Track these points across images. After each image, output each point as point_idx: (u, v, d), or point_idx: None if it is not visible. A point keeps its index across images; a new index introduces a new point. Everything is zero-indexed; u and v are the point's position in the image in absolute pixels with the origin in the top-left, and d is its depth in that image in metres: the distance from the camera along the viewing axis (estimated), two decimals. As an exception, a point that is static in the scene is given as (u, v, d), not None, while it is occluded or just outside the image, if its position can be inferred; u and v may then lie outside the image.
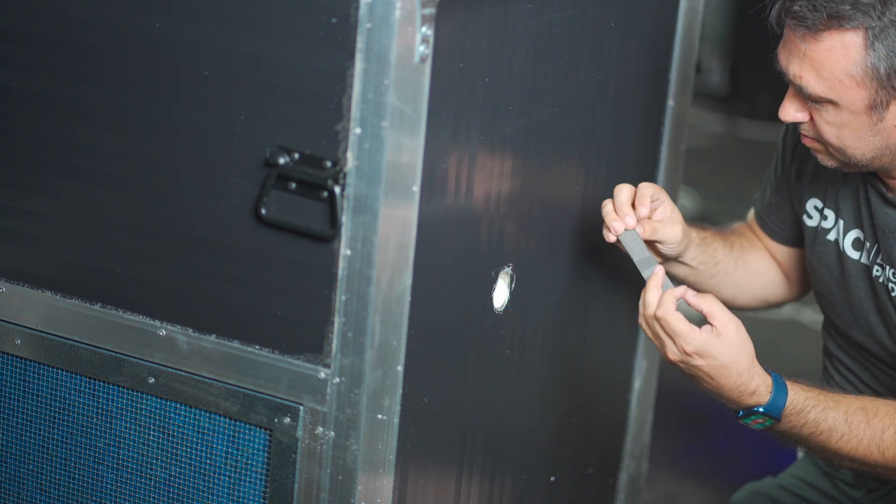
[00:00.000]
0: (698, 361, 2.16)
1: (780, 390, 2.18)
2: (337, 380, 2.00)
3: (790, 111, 2.21)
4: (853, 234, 2.36)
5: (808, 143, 2.25)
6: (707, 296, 2.21)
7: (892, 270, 2.30)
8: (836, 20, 2.07)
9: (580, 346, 2.62)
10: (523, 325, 2.34)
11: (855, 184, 2.34)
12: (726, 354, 2.16)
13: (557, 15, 2.25)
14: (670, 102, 2.72)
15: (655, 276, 2.21)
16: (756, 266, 2.60)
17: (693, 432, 3.81)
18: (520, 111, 2.21)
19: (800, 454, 2.76)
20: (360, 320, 1.97)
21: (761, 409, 2.18)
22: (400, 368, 2.00)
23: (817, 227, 2.43)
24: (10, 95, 2.10)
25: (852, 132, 2.16)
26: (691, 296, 2.21)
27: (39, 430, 2.21)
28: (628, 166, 2.66)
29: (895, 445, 2.22)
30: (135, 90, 2.03)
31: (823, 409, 2.21)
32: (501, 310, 2.29)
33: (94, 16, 2.03)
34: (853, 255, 2.36)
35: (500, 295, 2.28)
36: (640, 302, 2.21)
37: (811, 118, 2.20)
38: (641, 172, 2.71)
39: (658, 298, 2.19)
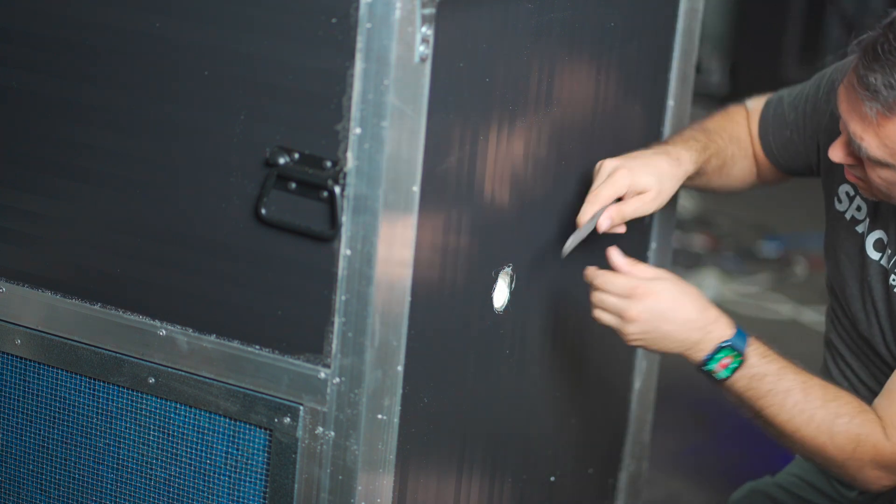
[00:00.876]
0: (651, 303, 2.16)
1: (741, 331, 2.21)
2: (337, 380, 2.00)
3: (841, 155, 2.18)
4: (877, 234, 2.34)
5: (851, 179, 2.23)
6: (638, 265, 2.23)
7: None
8: None
9: (580, 346, 2.61)
10: (523, 325, 2.34)
11: None
12: (673, 285, 2.19)
13: (557, 15, 2.25)
14: (670, 102, 2.71)
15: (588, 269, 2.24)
16: (740, 174, 2.58)
17: (693, 432, 3.81)
18: (520, 111, 2.21)
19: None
20: (360, 320, 1.97)
21: (728, 342, 2.18)
22: (400, 368, 2.00)
23: (845, 213, 2.40)
24: (10, 95, 2.10)
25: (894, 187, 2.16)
26: (627, 266, 2.23)
27: (39, 430, 2.21)
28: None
29: (847, 434, 2.21)
30: (135, 90, 2.04)
31: (783, 367, 2.22)
32: (501, 310, 2.29)
33: (94, 16, 2.03)
34: (874, 255, 2.34)
35: (500, 295, 2.28)
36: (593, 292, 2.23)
37: (861, 163, 2.17)
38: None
39: (592, 271, 2.23)
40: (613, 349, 2.73)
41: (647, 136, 2.69)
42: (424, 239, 2.00)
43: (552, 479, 2.62)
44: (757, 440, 2.77)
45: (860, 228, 2.37)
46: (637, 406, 2.91)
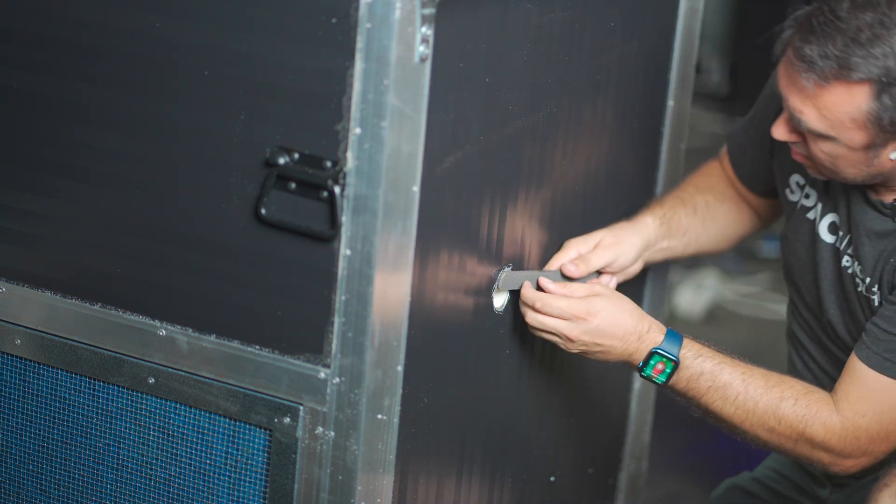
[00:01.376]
0: (594, 322, 2.23)
1: (673, 335, 2.28)
2: (337, 380, 2.00)
3: (783, 132, 2.22)
4: (830, 217, 2.37)
5: (798, 158, 2.26)
6: (571, 286, 2.28)
7: (858, 266, 2.31)
8: (846, 71, 2.07)
9: (580, 346, 2.61)
10: (523, 325, 2.34)
11: None
12: (610, 302, 2.25)
13: (557, 15, 2.25)
14: (670, 102, 2.72)
15: (524, 285, 2.28)
16: (726, 218, 2.61)
17: (693, 432, 3.81)
18: (520, 111, 2.21)
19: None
20: (360, 320, 1.97)
21: (659, 349, 2.25)
22: (400, 368, 2.00)
23: (797, 202, 2.43)
24: (10, 95, 2.10)
25: (846, 161, 2.18)
26: (562, 290, 2.28)
27: (39, 430, 2.21)
28: (628, 166, 2.66)
29: (793, 417, 2.25)
30: (135, 90, 2.03)
31: (720, 362, 2.27)
32: (501, 310, 2.29)
33: (94, 16, 2.03)
34: (828, 238, 2.37)
35: (501, 295, 2.28)
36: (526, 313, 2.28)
37: (805, 140, 2.20)
38: (642, 172, 2.71)
39: (531, 293, 2.26)
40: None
41: (646, 135, 2.69)
42: (424, 239, 2.00)
43: (552, 479, 2.62)
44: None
45: (811, 215, 2.40)
46: (637, 406, 2.92)
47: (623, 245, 2.41)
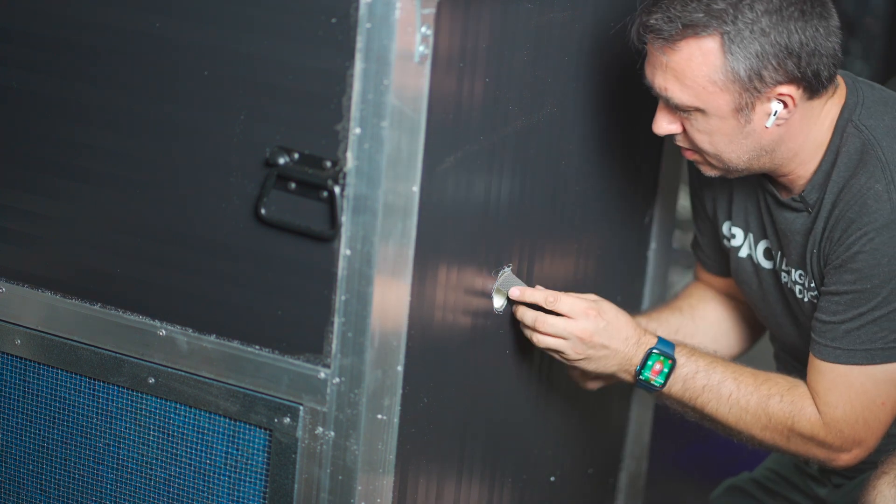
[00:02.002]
0: (596, 339, 2.25)
1: (665, 340, 2.31)
2: (337, 380, 2.00)
3: (663, 124, 2.23)
4: (763, 244, 2.40)
5: (687, 155, 2.28)
6: (560, 297, 2.27)
7: (797, 272, 2.33)
8: (691, 28, 2.10)
9: (580, 346, 2.61)
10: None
11: (755, 195, 2.37)
12: (609, 313, 2.27)
13: (557, 15, 2.25)
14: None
15: (521, 294, 2.28)
16: (715, 314, 2.64)
17: (693, 432, 3.81)
18: (520, 111, 2.20)
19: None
20: (359, 320, 1.96)
21: (655, 349, 2.27)
22: (400, 368, 2.00)
23: (730, 248, 2.47)
24: (10, 95, 2.10)
25: (723, 137, 2.19)
26: (550, 300, 2.28)
27: (39, 430, 2.21)
28: (628, 166, 2.66)
29: (781, 413, 2.28)
30: (135, 90, 2.03)
31: (711, 361, 2.31)
32: (501, 310, 2.29)
33: (94, 16, 2.03)
34: (766, 264, 2.40)
35: (500, 295, 2.27)
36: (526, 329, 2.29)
37: (684, 129, 2.22)
38: (641, 172, 2.71)
39: (530, 314, 2.27)
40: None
41: (646, 135, 2.69)
42: (424, 239, 2.00)
43: (552, 479, 2.61)
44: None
45: (743, 253, 2.43)
46: (637, 406, 2.92)
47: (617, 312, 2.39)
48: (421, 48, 1.89)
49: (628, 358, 2.28)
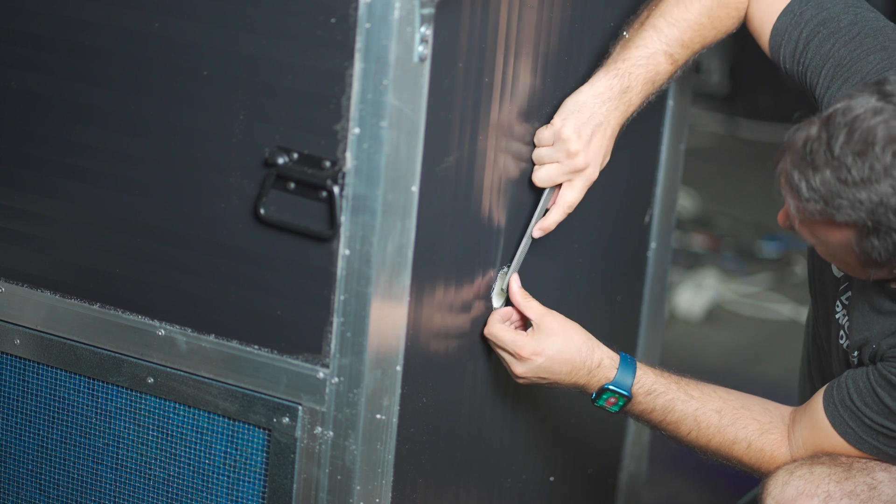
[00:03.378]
0: (537, 360, 2.20)
1: (627, 366, 2.24)
2: (336, 380, 2.00)
3: (784, 222, 2.12)
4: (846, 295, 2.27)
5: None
6: (529, 301, 2.25)
7: (847, 322, 2.23)
8: (830, 210, 1.96)
9: (580, 346, 2.61)
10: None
11: None
12: (558, 337, 2.22)
13: (557, 15, 2.25)
14: (670, 102, 2.71)
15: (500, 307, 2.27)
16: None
17: (693, 432, 3.81)
18: (519, 111, 2.20)
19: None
20: (358, 320, 1.97)
21: (609, 386, 2.23)
22: (399, 368, 2.00)
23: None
24: (10, 95, 2.10)
25: (845, 267, 2.11)
26: (519, 300, 2.25)
27: (39, 430, 2.21)
28: (628, 166, 2.65)
29: (746, 459, 2.25)
30: (135, 90, 2.04)
31: (672, 399, 2.25)
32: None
33: (94, 16, 2.03)
34: (836, 272, 2.27)
35: (499, 295, 2.28)
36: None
37: None
38: (641, 172, 2.71)
39: (493, 324, 2.24)
40: (613, 349, 2.73)
41: (646, 135, 2.69)
42: (423, 239, 2.00)
43: (552, 479, 2.61)
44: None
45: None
46: (637, 406, 2.91)
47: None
48: (420, 48, 1.89)
49: (580, 386, 2.25)
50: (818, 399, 2.22)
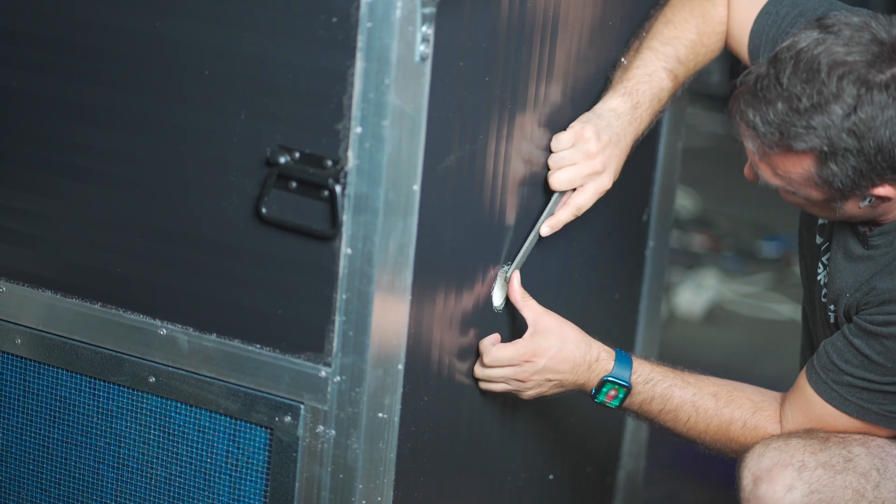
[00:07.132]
0: (541, 362, 2.23)
1: (623, 359, 2.28)
2: (338, 378, 2.00)
3: (751, 175, 2.17)
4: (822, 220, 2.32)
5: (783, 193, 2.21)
6: (527, 301, 2.26)
7: (825, 279, 2.26)
8: (787, 140, 2.03)
9: (580, 345, 2.61)
10: (523, 325, 2.34)
11: None
12: (554, 337, 2.24)
13: (557, 14, 2.25)
14: (668, 102, 2.71)
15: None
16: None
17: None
18: (521, 109, 2.21)
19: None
20: (360, 319, 1.97)
21: (609, 377, 2.25)
22: (401, 367, 2.00)
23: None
24: (10, 95, 2.10)
25: (814, 209, 2.16)
26: (518, 298, 2.26)
27: (39, 430, 2.21)
28: (626, 166, 2.66)
29: (742, 438, 2.28)
30: (135, 90, 2.04)
31: (670, 385, 2.28)
32: (501, 308, 2.29)
33: (94, 16, 2.04)
34: (817, 238, 2.33)
35: (500, 294, 2.28)
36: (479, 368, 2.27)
37: None
38: (639, 172, 2.72)
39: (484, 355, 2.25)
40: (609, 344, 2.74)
41: (645, 135, 2.69)
42: (424, 238, 2.00)
43: (551, 477, 2.62)
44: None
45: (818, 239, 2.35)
46: (637, 405, 2.91)
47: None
48: (422, 47, 1.89)
49: (580, 383, 2.28)
50: (802, 374, 2.26)
